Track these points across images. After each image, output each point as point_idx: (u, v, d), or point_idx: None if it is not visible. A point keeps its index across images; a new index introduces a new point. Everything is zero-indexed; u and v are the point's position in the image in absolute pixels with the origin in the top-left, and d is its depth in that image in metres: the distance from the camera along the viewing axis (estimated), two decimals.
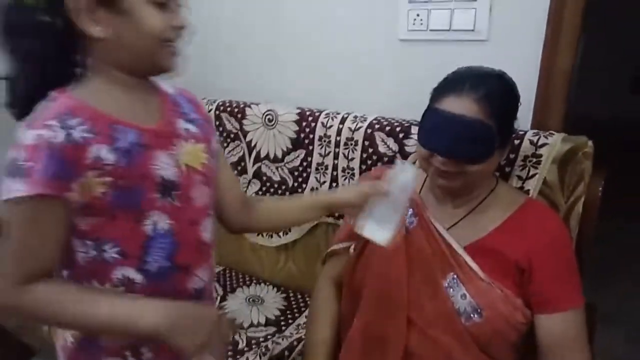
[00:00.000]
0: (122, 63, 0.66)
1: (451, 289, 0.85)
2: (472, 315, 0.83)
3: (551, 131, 1.05)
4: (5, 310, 0.65)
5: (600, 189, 1.02)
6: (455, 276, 0.85)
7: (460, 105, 0.80)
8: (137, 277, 0.68)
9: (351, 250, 1.02)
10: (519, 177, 1.05)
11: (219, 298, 1.42)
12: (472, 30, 1.15)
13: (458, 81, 0.84)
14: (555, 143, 1.01)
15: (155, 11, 0.64)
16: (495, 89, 0.82)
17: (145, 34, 0.64)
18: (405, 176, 0.81)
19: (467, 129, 0.80)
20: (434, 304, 0.86)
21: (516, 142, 1.04)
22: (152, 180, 0.67)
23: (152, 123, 0.69)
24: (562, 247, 0.85)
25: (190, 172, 0.72)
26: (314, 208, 0.89)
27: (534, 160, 1.03)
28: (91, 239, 0.65)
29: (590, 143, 1.00)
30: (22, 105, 0.65)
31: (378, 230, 0.79)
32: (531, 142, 1.03)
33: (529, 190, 1.03)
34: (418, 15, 1.20)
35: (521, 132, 1.05)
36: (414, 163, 0.97)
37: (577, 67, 1.13)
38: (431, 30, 1.20)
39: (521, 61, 1.12)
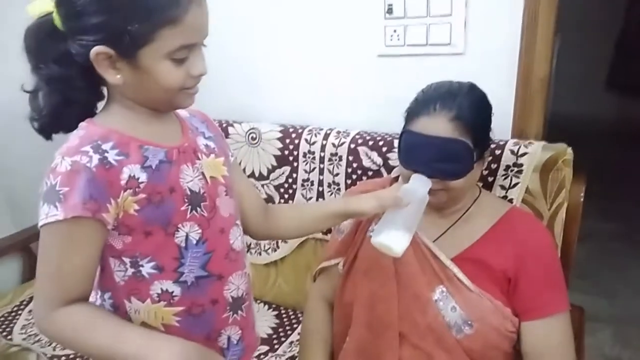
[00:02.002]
0: (140, 102, 0.69)
1: (441, 302, 0.85)
2: (462, 327, 0.83)
3: (531, 140, 1.07)
4: (48, 335, 0.67)
5: (582, 194, 1.05)
6: (444, 289, 0.86)
7: (433, 126, 0.82)
8: (176, 289, 0.70)
9: (340, 266, 1.02)
10: (502, 187, 1.07)
11: None
12: (449, 44, 1.17)
13: (429, 101, 0.84)
14: (535, 152, 1.03)
15: (173, 67, 0.65)
16: (466, 104, 0.83)
17: (161, 87, 0.66)
18: (421, 188, 0.82)
19: (443, 148, 0.81)
20: (425, 318, 0.86)
21: (497, 152, 1.06)
22: (180, 193, 0.70)
23: (176, 142, 0.72)
24: (547, 253, 0.87)
25: (214, 183, 0.75)
26: (334, 216, 0.90)
27: (516, 169, 1.05)
28: (128, 257, 0.68)
29: (569, 150, 1.02)
30: (45, 123, 0.68)
31: (394, 240, 0.78)
32: (512, 152, 1.05)
33: (512, 199, 1.05)
34: (395, 31, 1.22)
35: (502, 142, 1.07)
36: (398, 177, 0.98)
37: (554, 71, 1.16)
38: (408, 45, 1.22)
39: (498, 72, 1.14)
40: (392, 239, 0.77)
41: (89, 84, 0.67)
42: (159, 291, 0.70)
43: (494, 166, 1.06)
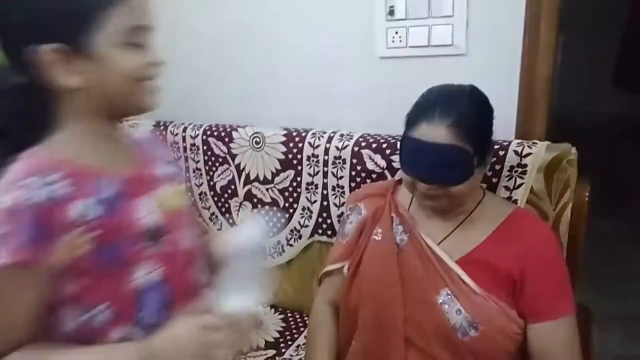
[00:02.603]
0: (99, 108, 0.65)
1: (446, 305, 0.85)
2: (468, 330, 0.83)
3: (535, 140, 1.06)
4: None
5: (587, 194, 1.04)
6: (449, 292, 0.86)
7: (433, 133, 0.81)
8: (136, 332, 0.65)
9: (344, 270, 1.02)
10: (506, 188, 1.06)
11: None
12: (451, 45, 1.16)
13: (428, 108, 0.84)
14: (539, 152, 1.02)
15: (127, 52, 0.62)
16: (466, 110, 0.82)
17: (120, 76, 0.63)
18: (251, 234, 0.73)
19: (443, 155, 0.81)
20: (430, 321, 0.86)
21: (501, 152, 1.06)
22: (137, 229, 0.65)
23: (131, 169, 0.68)
24: (552, 255, 0.86)
25: (175, 214, 0.71)
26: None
27: (520, 170, 1.04)
28: (79, 304, 0.62)
29: (574, 150, 1.01)
30: None
31: (234, 304, 0.65)
32: (516, 153, 1.05)
33: (516, 200, 1.04)
34: (397, 32, 1.22)
35: (505, 143, 1.07)
36: (402, 180, 0.97)
37: (558, 69, 1.15)
38: (410, 46, 1.22)
39: (501, 72, 1.14)
40: (230, 306, 0.65)
41: (37, 113, 0.62)
42: (118, 338, 0.64)
43: (497, 167, 1.06)
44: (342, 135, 1.28)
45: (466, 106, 0.83)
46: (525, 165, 1.03)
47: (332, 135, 1.30)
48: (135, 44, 0.63)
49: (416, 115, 0.86)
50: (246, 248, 0.71)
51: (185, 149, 1.54)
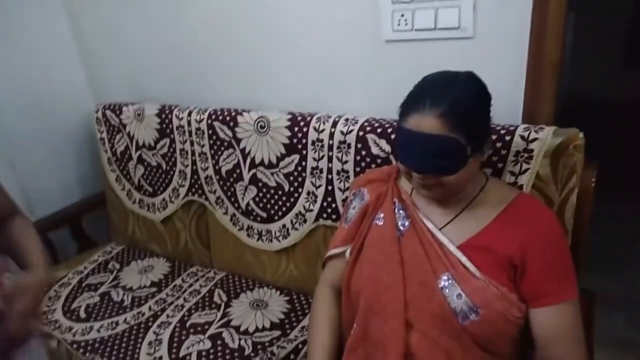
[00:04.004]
0: None
1: (446, 290, 0.86)
2: (469, 314, 0.84)
3: (541, 125, 1.05)
4: None
5: (593, 180, 1.03)
6: (449, 276, 0.86)
7: (423, 123, 0.80)
8: None
9: (347, 254, 1.03)
10: (512, 173, 1.06)
11: (223, 304, 1.43)
12: (457, 28, 1.15)
13: (420, 97, 0.83)
14: (546, 137, 1.01)
15: None
16: (458, 99, 0.80)
17: None
18: None
19: (434, 146, 0.80)
20: (431, 305, 0.87)
21: (507, 137, 1.05)
22: None
23: None
24: (555, 240, 0.86)
25: None
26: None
27: (526, 155, 1.03)
28: None
29: (581, 135, 1.00)
30: None
31: None
32: (522, 138, 1.04)
33: (522, 185, 1.04)
34: (402, 15, 1.20)
35: (512, 128, 1.06)
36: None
37: (568, 51, 1.13)
38: (416, 29, 1.20)
39: (508, 55, 1.12)
40: None
41: None
42: None
43: (503, 152, 1.05)
44: (347, 120, 1.28)
45: (459, 95, 0.81)
46: (532, 151, 1.03)
47: (337, 119, 1.29)
48: None
49: (408, 105, 0.85)
50: None
51: (190, 132, 1.54)
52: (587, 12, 3.07)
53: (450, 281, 0.86)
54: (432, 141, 0.80)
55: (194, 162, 1.58)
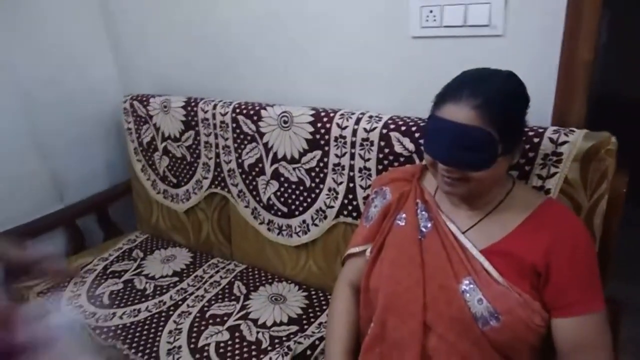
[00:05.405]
0: None
1: (467, 294, 0.84)
2: (489, 320, 0.82)
3: (572, 128, 1.01)
4: None
5: (625, 186, 1.00)
6: (471, 280, 0.85)
7: (458, 113, 0.79)
8: None
9: (367, 253, 1.02)
10: (539, 176, 1.03)
11: (242, 297, 1.45)
12: (487, 26, 1.12)
13: (458, 87, 0.81)
14: (576, 141, 0.98)
15: None
16: (496, 93, 0.79)
17: None
18: (58, 323, 0.64)
19: (466, 137, 0.78)
20: (451, 309, 0.85)
21: (535, 139, 1.02)
22: None
23: None
24: (581, 248, 0.83)
25: None
26: None
27: (555, 158, 1.00)
28: None
29: (613, 139, 0.96)
30: None
31: None
32: (551, 140, 1.01)
33: (550, 189, 1.01)
34: (431, 11, 1.17)
35: (540, 130, 1.03)
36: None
37: (602, 50, 1.09)
38: (445, 26, 1.17)
39: (539, 54, 1.09)
40: None
41: None
42: None
43: (531, 154, 1.02)
44: (370, 117, 1.26)
45: (497, 90, 0.79)
46: (561, 154, 0.99)
47: (360, 116, 1.28)
48: None
49: (445, 95, 0.83)
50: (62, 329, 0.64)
51: (215, 125, 1.56)
52: (623, 10, 2.94)
53: (471, 286, 0.84)
54: (465, 132, 0.78)
55: (217, 155, 1.60)
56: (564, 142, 0.99)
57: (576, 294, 0.81)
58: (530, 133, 1.02)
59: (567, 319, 0.81)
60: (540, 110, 1.10)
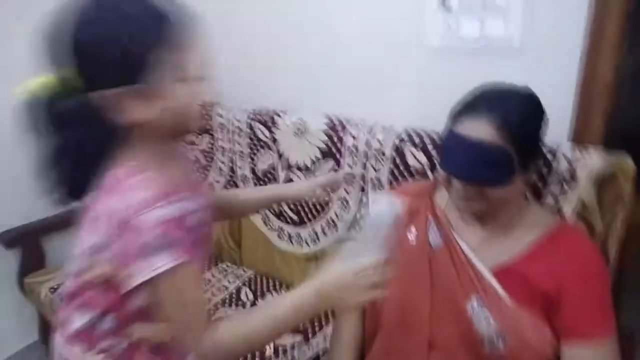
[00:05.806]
0: (163, 134, 0.73)
1: (475, 314, 0.82)
2: (496, 341, 0.80)
3: (588, 148, 0.99)
4: (222, 355, 0.72)
5: None
6: (479, 300, 0.83)
7: (476, 129, 0.77)
8: None
9: None
10: (553, 195, 1.00)
11: (249, 303, 1.45)
12: (505, 39, 1.10)
13: (476, 103, 0.80)
14: (592, 160, 0.96)
15: (184, 86, 0.68)
16: (515, 110, 0.77)
17: (180, 109, 0.70)
18: (378, 210, 0.73)
19: (484, 153, 0.77)
20: (457, 328, 0.84)
21: (550, 158, 1.00)
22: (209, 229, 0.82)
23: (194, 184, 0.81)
24: (594, 275, 0.81)
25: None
26: (266, 200, 1.06)
27: (569, 177, 0.98)
28: None
29: (630, 162, 0.94)
30: (68, 186, 0.74)
31: (364, 259, 0.70)
32: (567, 159, 0.98)
33: (563, 210, 0.99)
34: (449, 24, 1.16)
35: (556, 148, 1.00)
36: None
37: (626, 74, 1.06)
38: (462, 39, 1.16)
39: (557, 70, 1.07)
40: (364, 260, 0.71)
41: (108, 137, 0.71)
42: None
43: (545, 171, 1.00)
44: (384, 128, 1.26)
45: (516, 107, 0.78)
46: (576, 174, 0.97)
47: (374, 127, 1.27)
48: (192, 76, 0.69)
49: (462, 110, 0.82)
50: (370, 222, 0.75)
51: (229, 131, 1.57)
52: None
53: (479, 305, 0.82)
54: (483, 149, 0.77)
55: (231, 160, 1.61)
56: (580, 162, 0.97)
57: (585, 318, 0.79)
58: (546, 151, 1.00)
59: (574, 344, 0.79)
60: (556, 129, 1.06)
